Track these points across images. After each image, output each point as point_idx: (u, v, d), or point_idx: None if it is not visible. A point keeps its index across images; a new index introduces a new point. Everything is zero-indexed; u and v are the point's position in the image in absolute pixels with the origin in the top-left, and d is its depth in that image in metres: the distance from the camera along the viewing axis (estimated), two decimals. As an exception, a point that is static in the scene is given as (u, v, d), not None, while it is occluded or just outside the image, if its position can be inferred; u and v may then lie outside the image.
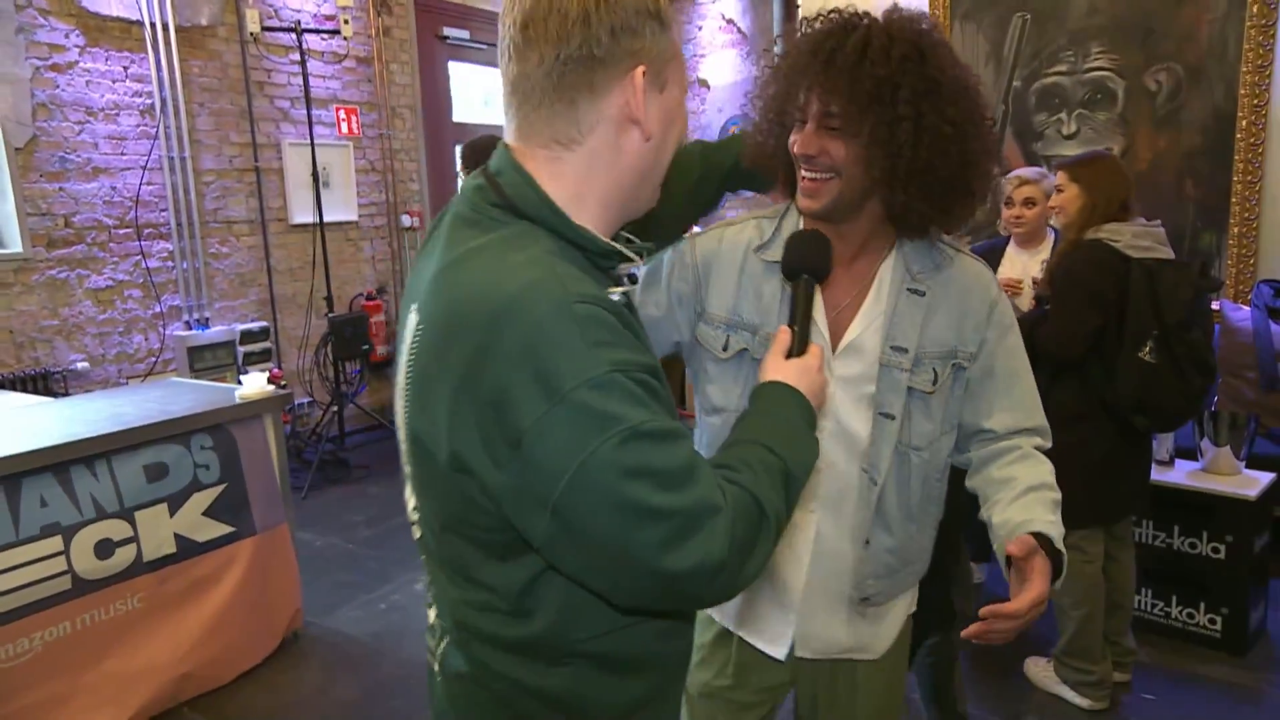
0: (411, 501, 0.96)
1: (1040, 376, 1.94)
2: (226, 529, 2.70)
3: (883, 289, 1.21)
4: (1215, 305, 3.47)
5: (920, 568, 1.34)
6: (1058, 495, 1.19)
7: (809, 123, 1.12)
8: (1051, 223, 2.72)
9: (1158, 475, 2.69)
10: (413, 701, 2.66)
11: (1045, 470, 1.22)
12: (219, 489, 2.67)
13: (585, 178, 0.87)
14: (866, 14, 1.13)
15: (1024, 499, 1.17)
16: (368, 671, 2.85)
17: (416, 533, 0.98)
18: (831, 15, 1.15)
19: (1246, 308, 3.29)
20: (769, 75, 1.20)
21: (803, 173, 1.15)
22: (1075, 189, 2.40)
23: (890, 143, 1.08)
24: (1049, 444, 1.28)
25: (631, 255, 0.91)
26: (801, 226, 1.23)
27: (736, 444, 0.91)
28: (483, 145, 3.53)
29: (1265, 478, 2.64)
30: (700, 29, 7.32)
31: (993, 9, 3.86)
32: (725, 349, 1.25)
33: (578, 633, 0.89)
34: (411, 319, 0.87)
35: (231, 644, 2.70)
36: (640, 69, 0.84)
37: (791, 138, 1.15)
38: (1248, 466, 2.71)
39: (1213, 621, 2.65)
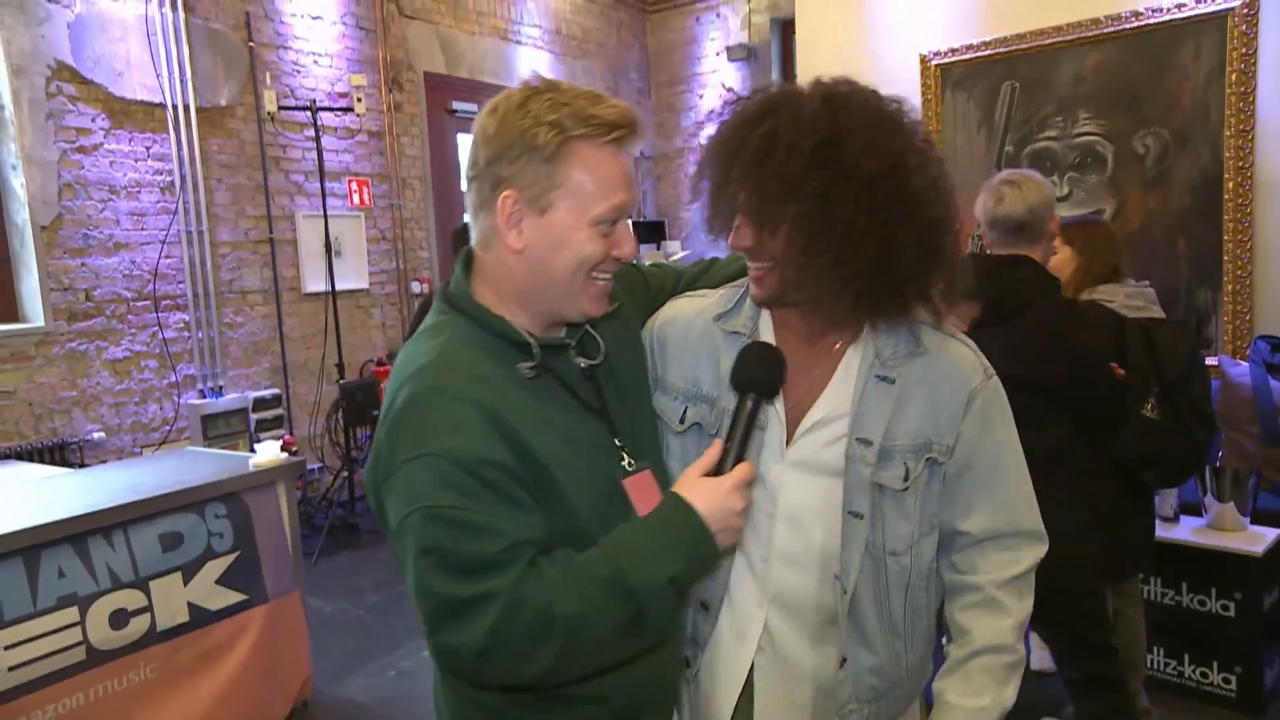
0: None
1: (1048, 437, 1.99)
2: (239, 597, 2.72)
3: (849, 373, 1.12)
4: (1214, 361, 3.51)
5: (912, 689, 1.21)
6: (1013, 656, 1.12)
7: (738, 215, 1.08)
8: None
9: (1163, 532, 2.69)
10: (422, 771, 2.65)
11: (1004, 627, 1.12)
12: (232, 557, 2.70)
13: (496, 279, 1.04)
14: (790, 93, 1.08)
15: (966, 666, 1.12)
16: (377, 741, 2.84)
17: None
18: (756, 95, 1.11)
19: (1245, 363, 3.33)
20: (702, 162, 1.14)
21: (748, 262, 1.12)
22: (1069, 251, 2.47)
23: (806, 236, 1.02)
24: (1043, 549, 1.17)
25: (531, 344, 1.03)
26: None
27: (597, 547, 0.97)
28: (463, 230, 3.68)
29: (1271, 533, 2.65)
30: (701, 97, 7.56)
31: (983, 78, 4.00)
32: (682, 421, 1.18)
33: None
34: None
35: (242, 713, 2.69)
36: (505, 193, 0.98)
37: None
38: (1253, 522, 2.72)
39: (1227, 680, 2.63)
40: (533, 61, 6.71)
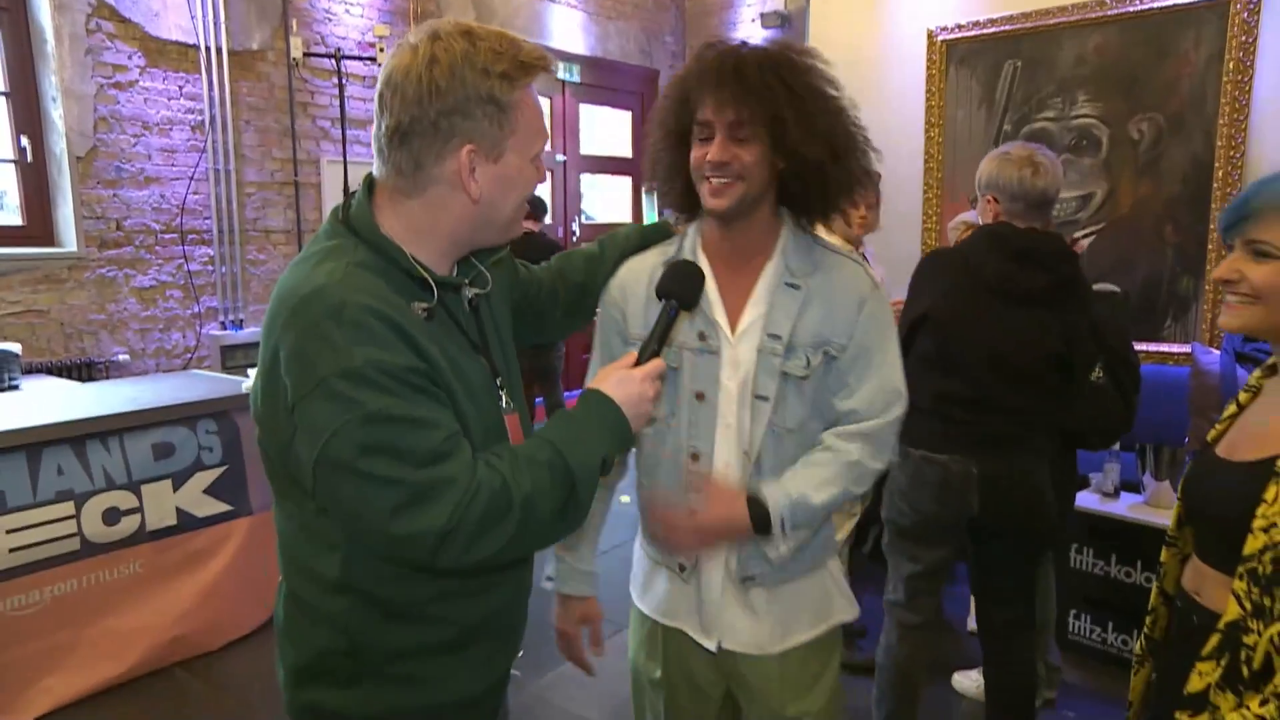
0: None
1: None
2: (225, 507, 2.95)
3: (766, 284, 1.35)
4: (1186, 349, 3.54)
5: (814, 556, 1.42)
6: (846, 458, 1.33)
7: (719, 134, 1.26)
8: None
9: (1101, 506, 2.79)
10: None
11: (833, 458, 1.34)
12: (220, 470, 2.93)
13: (422, 221, 1.07)
14: (745, 42, 1.31)
15: (797, 470, 1.33)
16: (347, 649, 3.05)
17: None
18: (719, 43, 1.31)
19: (1217, 351, 3.35)
20: (670, 96, 1.34)
21: (710, 178, 1.29)
22: None
23: (784, 144, 1.26)
24: (904, 406, 1.39)
25: (431, 285, 1.08)
26: (700, 246, 1.38)
27: (531, 438, 1.07)
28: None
29: (1201, 514, 2.71)
30: (733, 64, 7.58)
31: (986, 56, 4.00)
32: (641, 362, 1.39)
33: (355, 569, 1.07)
34: None
35: (222, 613, 2.94)
36: (468, 148, 1.03)
37: (698, 151, 1.29)
38: (1192, 503, 2.78)
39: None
40: (566, 21, 6.79)
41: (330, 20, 5.32)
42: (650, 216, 7.18)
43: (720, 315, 1.36)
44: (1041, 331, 2.01)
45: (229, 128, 4.85)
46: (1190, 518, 1.29)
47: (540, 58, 1.06)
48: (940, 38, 4.10)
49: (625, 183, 7.73)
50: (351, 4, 5.43)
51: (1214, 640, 1.11)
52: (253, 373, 3.07)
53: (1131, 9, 3.56)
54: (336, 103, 5.30)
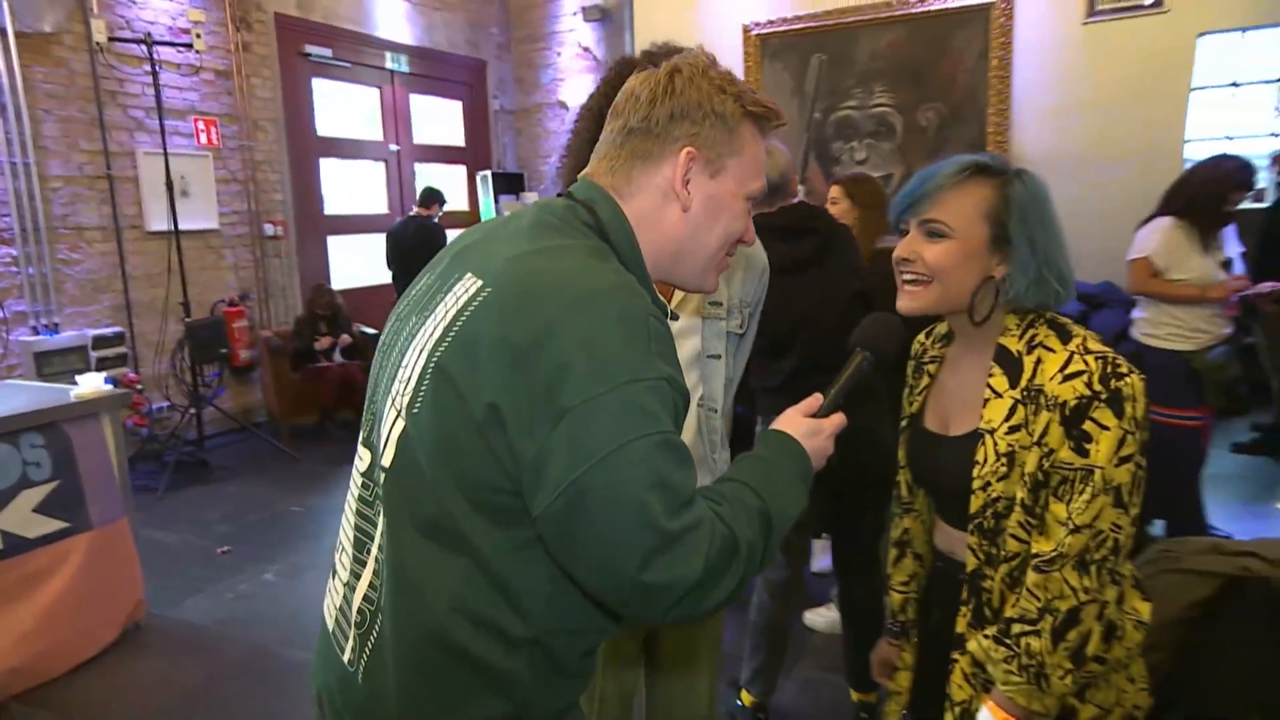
0: (389, 451, 0.95)
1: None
2: (59, 525, 2.78)
3: None
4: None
5: None
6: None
7: None
8: None
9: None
10: (254, 683, 2.72)
11: None
12: (50, 486, 2.76)
13: (639, 232, 1.02)
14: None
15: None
16: (210, 657, 2.91)
17: (359, 482, 1.01)
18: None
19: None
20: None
21: None
22: (848, 203, 2.77)
23: None
24: None
25: (668, 308, 1.15)
26: None
27: (728, 480, 0.98)
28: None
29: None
30: (559, 55, 7.68)
31: (795, 50, 4.35)
32: None
33: (548, 620, 0.93)
34: (468, 282, 0.93)
35: (65, 637, 2.76)
36: (687, 150, 1.00)
37: None
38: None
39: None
40: (391, 10, 6.67)
41: (136, 3, 5.02)
42: (486, 203, 7.21)
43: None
44: (827, 288, 2.24)
45: (24, 117, 4.51)
46: (921, 486, 1.39)
47: (776, 111, 1.06)
48: (754, 32, 4.41)
49: (459, 170, 7.73)
50: (159, -14, 5.14)
51: (964, 590, 1.24)
52: (83, 379, 2.97)
53: (915, 9, 3.99)
54: (150, 91, 5.03)
